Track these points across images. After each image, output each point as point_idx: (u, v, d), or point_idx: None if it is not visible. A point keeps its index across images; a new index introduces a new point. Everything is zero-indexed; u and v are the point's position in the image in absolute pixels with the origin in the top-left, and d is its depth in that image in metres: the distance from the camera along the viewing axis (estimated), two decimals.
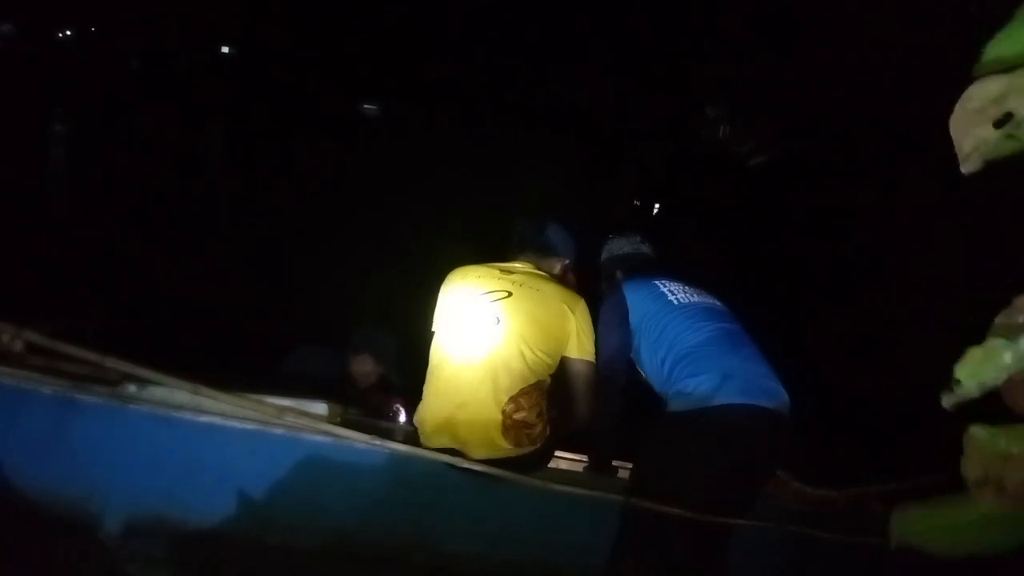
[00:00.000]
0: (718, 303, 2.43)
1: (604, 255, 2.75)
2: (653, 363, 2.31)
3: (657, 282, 2.46)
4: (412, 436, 2.46)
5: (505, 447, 2.24)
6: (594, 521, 2.24)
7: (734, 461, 2.11)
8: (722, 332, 2.28)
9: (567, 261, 2.62)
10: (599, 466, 2.51)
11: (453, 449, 2.26)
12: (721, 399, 2.09)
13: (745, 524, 2.06)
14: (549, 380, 2.34)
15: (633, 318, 2.38)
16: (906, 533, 2.12)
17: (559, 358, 2.36)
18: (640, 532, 2.10)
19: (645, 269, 2.59)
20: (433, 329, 2.46)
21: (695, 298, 2.40)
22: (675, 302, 2.37)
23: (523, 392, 2.25)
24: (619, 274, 2.63)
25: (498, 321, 2.30)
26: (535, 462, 2.33)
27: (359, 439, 2.17)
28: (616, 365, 2.38)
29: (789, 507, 2.58)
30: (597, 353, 2.40)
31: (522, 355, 2.26)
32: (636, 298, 2.41)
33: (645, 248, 2.72)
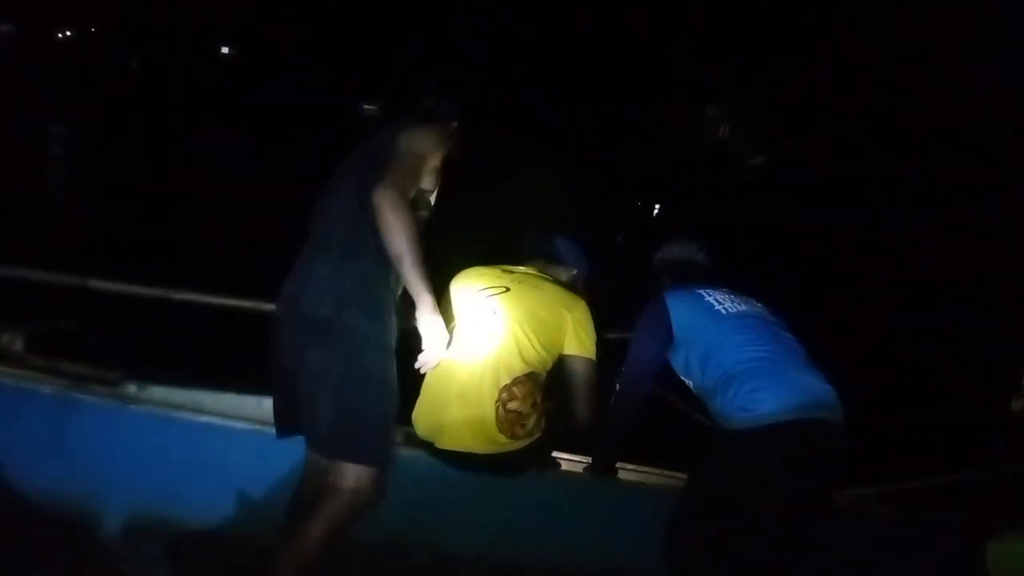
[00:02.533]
0: (766, 310, 2.36)
1: (656, 257, 2.66)
2: (706, 378, 2.23)
3: (701, 291, 2.38)
4: (411, 437, 2.46)
5: (501, 440, 2.24)
6: (594, 520, 2.25)
7: (805, 480, 2.08)
8: (776, 343, 2.22)
9: (575, 272, 2.58)
10: (602, 468, 2.50)
11: (450, 451, 2.26)
12: (787, 416, 2.04)
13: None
14: (544, 375, 2.34)
15: (678, 328, 2.31)
16: (1007, 568, 2.12)
17: (556, 354, 2.36)
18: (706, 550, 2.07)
19: (691, 278, 2.50)
20: None
21: (743, 307, 2.32)
22: (723, 312, 2.29)
23: (517, 381, 2.24)
24: (666, 279, 2.55)
25: (495, 313, 2.31)
26: (532, 456, 2.33)
27: None
28: (645, 371, 2.34)
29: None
30: (629, 358, 2.38)
31: (519, 347, 2.26)
32: (680, 309, 2.34)
33: (700, 257, 2.62)
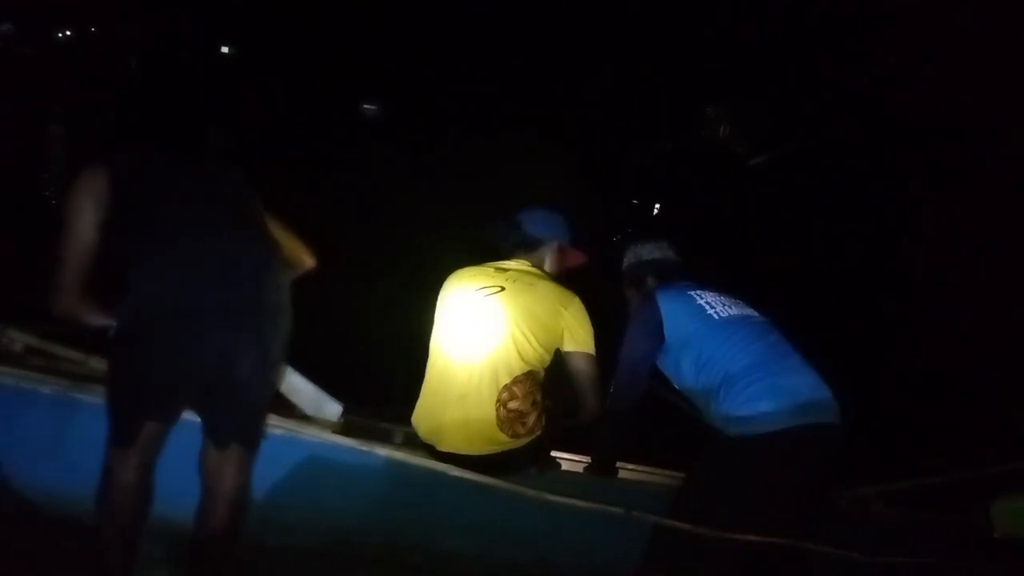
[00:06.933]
0: (755, 312, 2.37)
1: (630, 259, 2.62)
2: (699, 382, 2.24)
3: (692, 293, 2.37)
4: (411, 437, 2.46)
5: (502, 440, 2.24)
6: (593, 520, 2.24)
7: (806, 485, 2.10)
8: (770, 347, 2.23)
9: (557, 243, 2.56)
10: (602, 468, 2.50)
11: (451, 453, 2.27)
12: (786, 422, 2.05)
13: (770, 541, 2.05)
14: (543, 372, 2.35)
15: (669, 331, 2.30)
16: (1009, 524, 2.15)
17: (554, 351, 2.36)
18: (684, 552, 2.09)
19: (677, 277, 2.50)
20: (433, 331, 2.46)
21: (734, 310, 2.32)
22: (715, 316, 2.29)
23: (516, 380, 2.25)
24: (651, 281, 2.53)
25: (493, 314, 2.31)
26: (532, 454, 2.34)
27: (357, 443, 2.18)
28: (639, 371, 2.35)
29: None
30: (622, 357, 2.38)
31: (517, 346, 2.27)
32: (672, 310, 2.33)
33: (672, 255, 2.60)
